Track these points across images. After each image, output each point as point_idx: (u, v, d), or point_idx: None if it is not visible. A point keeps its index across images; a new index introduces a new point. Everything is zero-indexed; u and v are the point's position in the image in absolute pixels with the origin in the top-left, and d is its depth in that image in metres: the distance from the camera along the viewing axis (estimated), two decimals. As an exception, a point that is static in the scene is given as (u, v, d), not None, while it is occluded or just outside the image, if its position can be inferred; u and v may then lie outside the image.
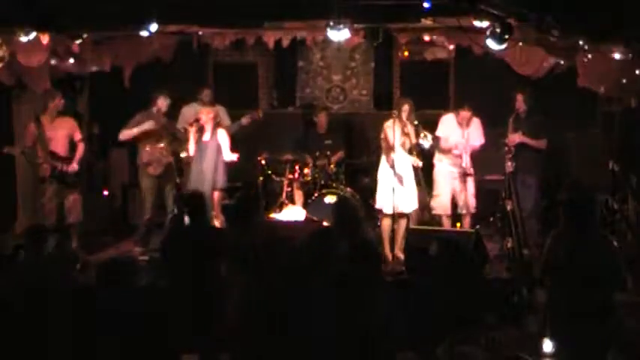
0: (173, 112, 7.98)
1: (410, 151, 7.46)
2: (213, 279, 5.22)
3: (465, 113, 7.56)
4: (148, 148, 7.58)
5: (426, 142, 7.37)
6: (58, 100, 7.38)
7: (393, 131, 7.31)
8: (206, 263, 5.24)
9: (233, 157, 7.56)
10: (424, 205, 8.09)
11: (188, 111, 8.11)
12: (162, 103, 7.60)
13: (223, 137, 7.53)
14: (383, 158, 7.54)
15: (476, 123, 7.66)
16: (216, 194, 7.56)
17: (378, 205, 7.54)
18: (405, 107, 7.39)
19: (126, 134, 7.55)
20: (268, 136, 9.04)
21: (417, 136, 7.38)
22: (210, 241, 5.36)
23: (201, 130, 7.47)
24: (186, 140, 7.53)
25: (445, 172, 7.68)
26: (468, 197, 7.64)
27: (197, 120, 7.49)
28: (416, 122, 7.42)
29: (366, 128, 9.12)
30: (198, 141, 7.46)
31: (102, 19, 6.57)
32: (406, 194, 7.44)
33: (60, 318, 4.36)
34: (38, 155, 7.30)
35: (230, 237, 5.39)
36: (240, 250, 5.02)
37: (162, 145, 7.59)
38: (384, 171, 7.53)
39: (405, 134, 7.39)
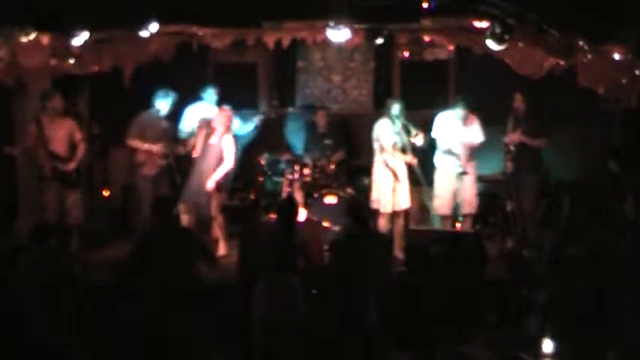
0: (173, 112, 7.99)
1: (403, 150, 7.48)
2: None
3: (460, 112, 7.55)
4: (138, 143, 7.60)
5: (419, 140, 7.39)
6: (56, 100, 7.35)
7: (388, 131, 7.36)
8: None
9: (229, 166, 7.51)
10: (423, 205, 8.11)
11: (193, 111, 8.10)
12: (163, 105, 7.60)
13: (229, 143, 7.47)
14: (376, 159, 7.56)
15: (473, 121, 7.65)
16: (218, 195, 7.54)
17: (374, 205, 7.55)
18: (395, 107, 7.41)
19: (135, 145, 7.59)
20: (268, 136, 9.03)
21: (409, 134, 7.40)
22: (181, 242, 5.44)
23: (210, 132, 7.44)
24: (189, 141, 7.55)
25: (445, 172, 7.67)
26: (469, 197, 7.64)
27: (208, 122, 7.48)
28: (404, 122, 7.43)
29: (366, 128, 9.08)
30: (205, 142, 7.44)
31: (102, 19, 6.57)
32: (399, 192, 7.46)
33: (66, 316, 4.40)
34: (38, 155, 7.30)
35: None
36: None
37: (159, 146, 7.58)
38: (378, 171, 7.56)
39: (397, 134, 7.42)
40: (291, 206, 5.66)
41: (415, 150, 7.50)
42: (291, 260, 5.18)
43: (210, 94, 8.13)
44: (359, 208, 5.95)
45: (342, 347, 4.60)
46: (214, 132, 7.44)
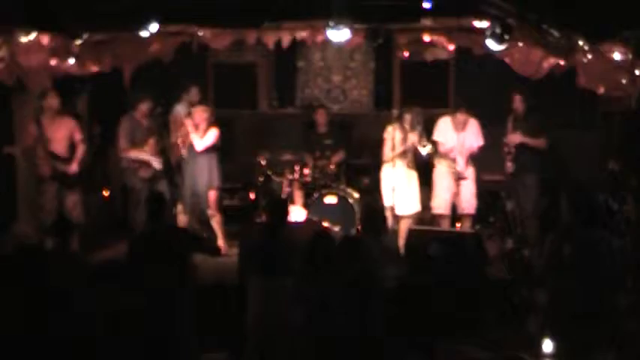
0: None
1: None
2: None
3: (461, 116, 7.58)
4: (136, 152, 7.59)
5: (424, 150, 7.43)
6: (50, 98, 7.32)
7: (399, 137, 7.40)
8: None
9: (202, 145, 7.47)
10: (424, 205, 8.11)
11: (176, 112, 8.09)
12: (144, 107, 7.53)
13: (211, 135, 7.47)
14: (385, 160, 7.59)
15: (473, 125, 7.66)
16: (213, 193, 7.56)
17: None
18: (407, 117, 7.44)
19: (131, 154, 7.52)
20: (268, 136, 9.03)
21: (420, 142, 7.44)
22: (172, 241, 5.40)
23: (193, 129, 7.43)
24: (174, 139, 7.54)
25: (445, 172, 7.69)
26: (469, 197, 7.65)
27: (190, 120, 7.47)
28: (420, 129, 7.48)
29: (366, 128, 9.12)
30: (189, 141, 7.43)
31: (102, 19, 6.57)
32: (406, 197, 7.48)
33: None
34: (38, 155, 7.29)
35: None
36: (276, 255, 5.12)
37: (148, 148, 7.55)
38: (386, 175, 7.59)
39: (404, 139, 7.45)
40: (278, 207, 5.58)
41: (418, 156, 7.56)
42: (280, 262, 5.10)
43: (193, 94, 8.09)
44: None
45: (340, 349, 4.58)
46: (197, 129, 7.42)
